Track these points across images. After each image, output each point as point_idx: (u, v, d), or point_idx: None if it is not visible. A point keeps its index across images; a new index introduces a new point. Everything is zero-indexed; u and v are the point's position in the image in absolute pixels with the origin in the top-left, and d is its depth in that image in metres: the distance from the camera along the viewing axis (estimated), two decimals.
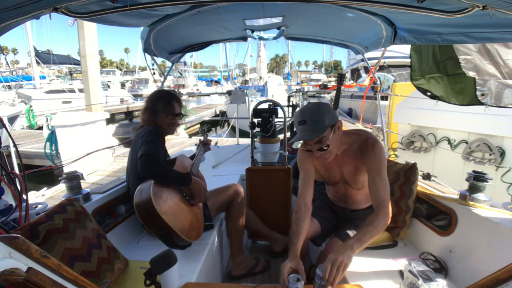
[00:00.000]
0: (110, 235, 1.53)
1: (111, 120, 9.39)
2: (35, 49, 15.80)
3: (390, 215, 1.27)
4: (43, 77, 18.73)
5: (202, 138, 2.25)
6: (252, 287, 1.12)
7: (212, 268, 1.75)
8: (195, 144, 3.50)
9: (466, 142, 4.06)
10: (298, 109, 1.35)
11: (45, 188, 4.40)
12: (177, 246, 1.47)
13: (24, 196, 1.11)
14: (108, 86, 19.08)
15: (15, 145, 1.35)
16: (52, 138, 5.44)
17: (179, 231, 1.38)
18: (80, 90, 14.39)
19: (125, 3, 1.19)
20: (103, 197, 1.66)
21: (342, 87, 3.19)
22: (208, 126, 2.42)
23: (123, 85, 25.76)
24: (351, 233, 1.50)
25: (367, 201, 1.62)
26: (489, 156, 3.75)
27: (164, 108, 1.75)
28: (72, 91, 14.84)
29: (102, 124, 5.85)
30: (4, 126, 1.16)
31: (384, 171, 1.35)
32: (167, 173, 1.50)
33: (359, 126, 5.09)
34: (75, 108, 10.50)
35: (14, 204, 1.15)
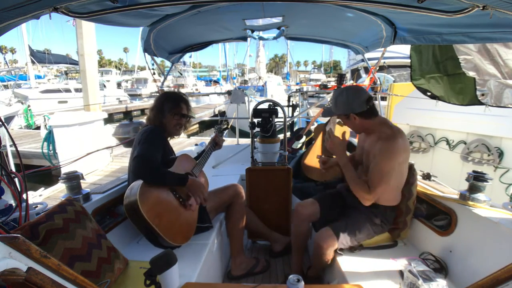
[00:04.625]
0: (110, 235, 1.53)
1: (109, 120, 9.35)
2: (30, 48, 15.68)
3: (371, 199, 1.48)
4: (39, 77, 18.60)
5: (214, 135, 2.17)
6: (252, 287, 1.12)
7: (212, 268, 1.75)
8: (195, 144, 3.48)
9: (465, 143, 4.07)
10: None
11: (43, 188, 4.38)
12: (163, 247, 1.45)
13: (24, 196, 1.11)
14: (105, 86, 19.02)
15: (14, 145, 1.34)
16: (49, 138, 5.41)
17: (162, 233, 1.35)
18: (76, 90, 14.32)
19: (125, 3, 1.18)
20: (103, 197, 1.66)
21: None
22: (225, 124, 2.37)
23: (119, 85, 25.64)
24: (344, 227, 1.54)
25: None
26: (487, 157, 3.75)
27: (171, 108, 1.75)
28: (68, 90, 14.73)
29: (100, 124, 5.83)
30: (4, 125, 1.16)
31: (384, 165, 1.43)
32: (161, 176, 1.47)
33: None
34: (72, 108, 10.45)
35: (14, 204, 1.15)
